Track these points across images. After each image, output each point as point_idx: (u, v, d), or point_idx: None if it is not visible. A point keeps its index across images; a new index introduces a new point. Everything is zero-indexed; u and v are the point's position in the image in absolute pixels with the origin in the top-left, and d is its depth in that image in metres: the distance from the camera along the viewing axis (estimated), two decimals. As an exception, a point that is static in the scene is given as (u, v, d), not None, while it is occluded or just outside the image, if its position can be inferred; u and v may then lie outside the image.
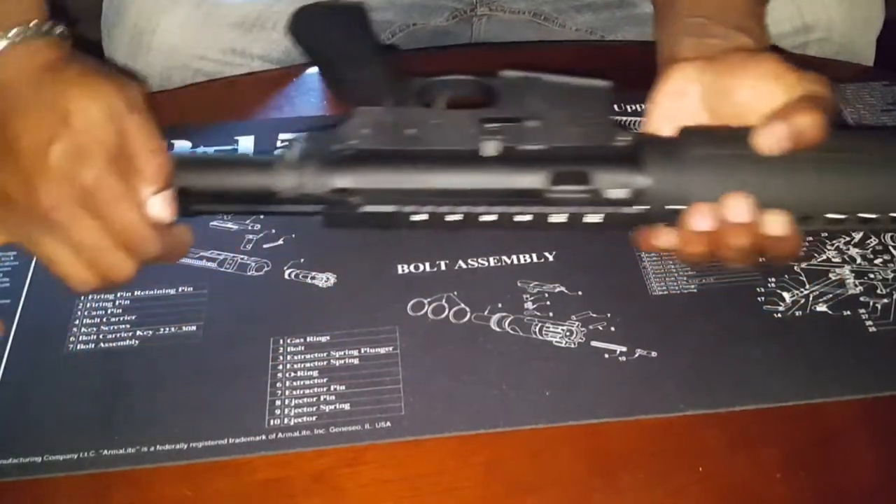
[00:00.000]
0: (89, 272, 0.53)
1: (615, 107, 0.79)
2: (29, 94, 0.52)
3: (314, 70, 0.85)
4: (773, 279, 0.65)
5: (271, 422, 0.58)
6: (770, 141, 0.52)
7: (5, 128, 0.51)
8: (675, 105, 0.57)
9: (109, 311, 0.64)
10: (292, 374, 0.60)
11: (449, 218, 0.56)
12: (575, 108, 0.56)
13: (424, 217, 0.56)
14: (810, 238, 0.68)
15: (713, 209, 0.53)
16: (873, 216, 0.54)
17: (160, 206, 0.54)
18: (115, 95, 0.52)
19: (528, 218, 0.55)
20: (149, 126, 0.53)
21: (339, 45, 0.62)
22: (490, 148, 0.55)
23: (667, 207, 0.54)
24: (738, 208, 0.52)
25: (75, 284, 0.54)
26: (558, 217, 0.55)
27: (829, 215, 0.54)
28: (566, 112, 0.56)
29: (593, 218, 0.55)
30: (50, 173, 0.51)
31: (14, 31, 0.52)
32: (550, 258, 0.67)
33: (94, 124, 0.51)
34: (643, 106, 0.76)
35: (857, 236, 0.68)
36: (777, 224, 0.53)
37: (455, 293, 0.65)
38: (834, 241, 0.68)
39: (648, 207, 0.54)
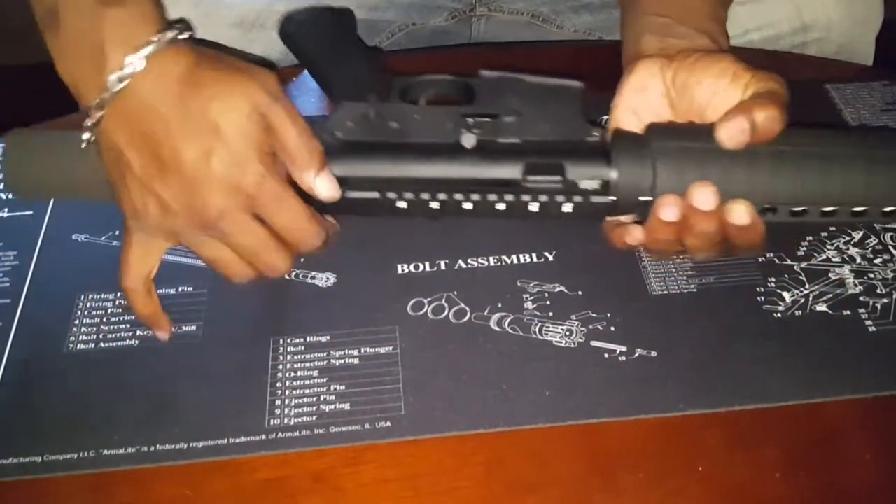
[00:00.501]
0: (250, 269, 0.57)
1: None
2: (176, 110, 0.52)
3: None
4: (773, 279, 0.65)
5: (271, 421, 0.58)
6: (730, 134, 0.54)
7: (162, 146, 0.53)
8: (639, 99, 0.60)
9: (109, 311, 0.64)
10: (292, 374, 0.60)
11: (431, 205, 0.58)
12: (550, 106, 0.59)
13: (406, 204, 0.58)
14: (810, 237, 0.68)
15: (679, 200, 0.55)
16: (833, 209, 0.56)
17: (326, 186, 0.56)
18: (255, 90, 0.53)
19: (503, 206, 0.57)
20: (291, 111, 0.55)
21: (325, 45, 0.64)
22: (469, 140, 0.57)
23: (636, 199, 0.56)
24: (703, 196, 0.55)
25: (234, 280, 0.58)
26: (532, 206, 0.57)
27: (791, 207, 0.56)
28: (541, 110, 0.59)
29: (565, 208, 0.57)
30: (214, 184, 0.53)
31: (147, 49, 0.52)
32: (550, 258, 0.67)
33: (242, 130, 0.53)
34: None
35: (857, 236, 0.68)
36: (740, 213, 0.55)
37: (455, 293, 0.65)
38: (834, 241, 0.68)
39: (616, 198, 0.57)
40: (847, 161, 0.55)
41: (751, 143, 0.54)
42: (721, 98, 0.57)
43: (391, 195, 0.58)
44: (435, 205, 0.58)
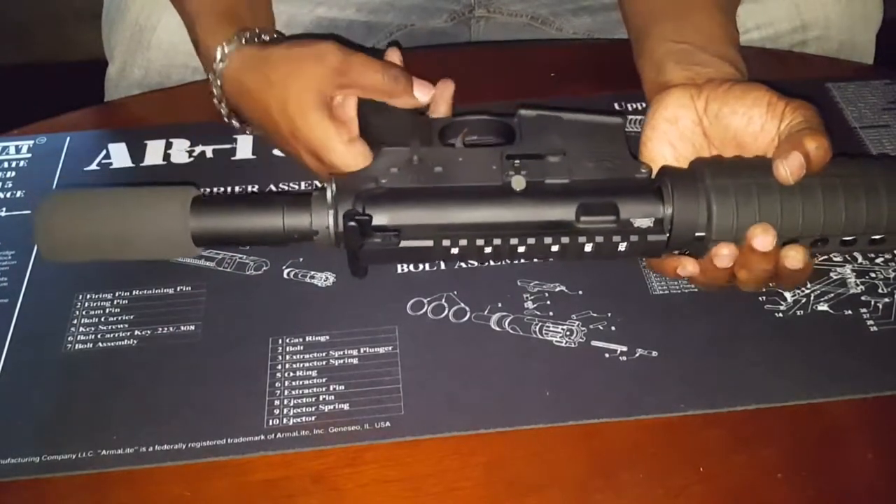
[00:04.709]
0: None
1: (615, 105, 0.79)
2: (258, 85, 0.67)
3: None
4: (774, 278, 0.65)
5: (270, 422, 0.57)
6: (790, 169, 0.55)
7: (259, 108, 0.67)
8: (672, 129, 0.60)
9: (108, 311, 0.64)
10: (291, 374, 0.60)
11: (485, 250, 0.58)
12: (593, 143, 0.60)
13: (459, 250, 0.58)
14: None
15: (734, 247, 0.56)
16: (881, 237, 0.57)
17: (421, 93, 0.65)
18: (317, 78, 0.64)
19: (557, 248, 0.58)
20: (358, 68, 0.64)
21: None
22: (518, 183, 0.57)
23: (692, 235, 0.57)
24: (762, 240, 0.55)
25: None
26: (587, 247, 0.57)
27: (842, 238, 0.57)
28: (585, 147, 0.60)
29: (620, 247, 0.58)
30: (297, 148, 0.66)
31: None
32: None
33: (312, 124, 0.64)
34: (642, 105, 0.76)
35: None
36: (794, 258, 0.56)
37: (455, 292, 0.64)
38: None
39: (670, 235, 0.57)
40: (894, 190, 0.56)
41: (805, 175, 0.55)
42: (756, 126, 0.58)
43: (445, 243, 0.57)
44: (489, 250, 0.58)
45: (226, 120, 0.73)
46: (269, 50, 0.68)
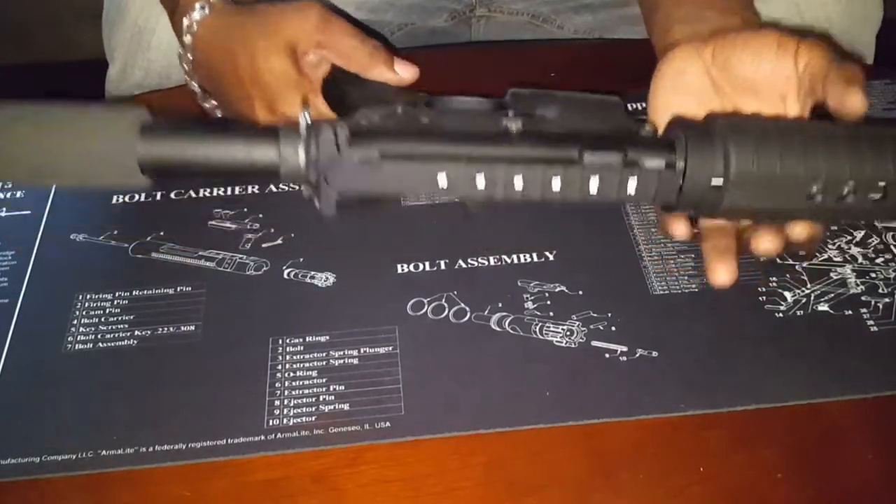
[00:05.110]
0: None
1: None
2: (233, 42, 0.67)
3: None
4: (775, 278, 0.65)
5: (270, 422, 0.57)
6: (860, 101, 0.51)
7: (228, 66, 0.67)
8: (679, 82, 0.59)
9: (108, 311, 0.64)
10: (291, 374, 0.60)
11: (479, 183, 0.51)
12: (591, 112, 0.55)
13: (448, 182, 0.51)
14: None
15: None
16: None
17: (403, 70, 0.66)
18: (291, 32, 0.65)
19: (560, 185, 0.52)
20: (337, 31, 0.65)
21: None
22: (515, 124, 0.52)
23: (707, 182, 0.52)
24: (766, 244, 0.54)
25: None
26: (593, 184, 0.52)
27: (872, 194, 0.52)
28: (583, 115, 0.54)
29: (628, 188, 0.52)
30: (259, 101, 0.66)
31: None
32: (551, 257, 0.67)
33: (275, 71, 0.65)
34: (643, 105, 0.76)
35: (859, 235, 0.68)
36: (800, 234, 0.54)
37: (455, 293, 0.64)
38: (835, 241, 0.67)
39: (683, 183, 0.52)
40: None
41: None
42: (767, 68, 0.55)
43: (432, 167, 0.51)
44: (482, 183, 0.51)
45: (187, 79, 0.72)
46: (252, 5, 0.68)
